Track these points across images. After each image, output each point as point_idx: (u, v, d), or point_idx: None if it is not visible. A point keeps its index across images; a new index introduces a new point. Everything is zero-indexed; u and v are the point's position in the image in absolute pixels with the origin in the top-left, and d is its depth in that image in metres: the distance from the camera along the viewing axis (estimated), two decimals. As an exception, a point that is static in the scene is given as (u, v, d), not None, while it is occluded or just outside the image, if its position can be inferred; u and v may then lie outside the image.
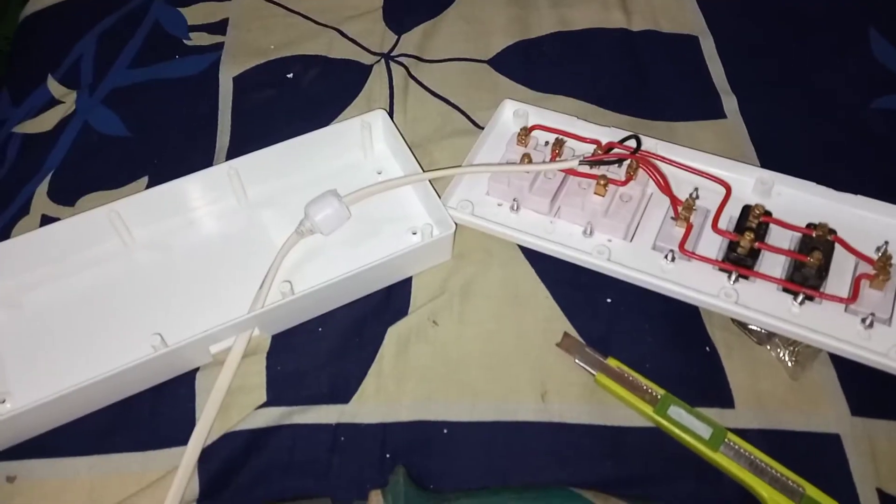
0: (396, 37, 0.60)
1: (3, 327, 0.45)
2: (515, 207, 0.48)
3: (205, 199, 0.48)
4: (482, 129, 0.54)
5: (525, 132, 0.49)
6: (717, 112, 0.54)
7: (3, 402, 0.42)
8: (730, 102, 0.55)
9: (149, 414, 0.42)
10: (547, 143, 0.49)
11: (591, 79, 0.57)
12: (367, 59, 0.59)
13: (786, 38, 0.59)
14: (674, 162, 0.47)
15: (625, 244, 0.46)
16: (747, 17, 0.61)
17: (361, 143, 0.51)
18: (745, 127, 0.53)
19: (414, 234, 0.48)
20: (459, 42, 0.60)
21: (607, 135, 0.49)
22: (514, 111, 0.52)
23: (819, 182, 0.46)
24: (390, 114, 0.55)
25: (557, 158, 0.48)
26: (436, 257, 0.47)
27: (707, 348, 0.44)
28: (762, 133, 0.53)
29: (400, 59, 0.59)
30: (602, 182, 0.46)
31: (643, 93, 0.56)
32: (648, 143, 0.48)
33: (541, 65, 0.58)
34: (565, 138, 0.49)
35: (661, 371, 0.42)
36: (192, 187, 0.47)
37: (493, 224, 0.47)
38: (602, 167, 0.47)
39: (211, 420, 0.41)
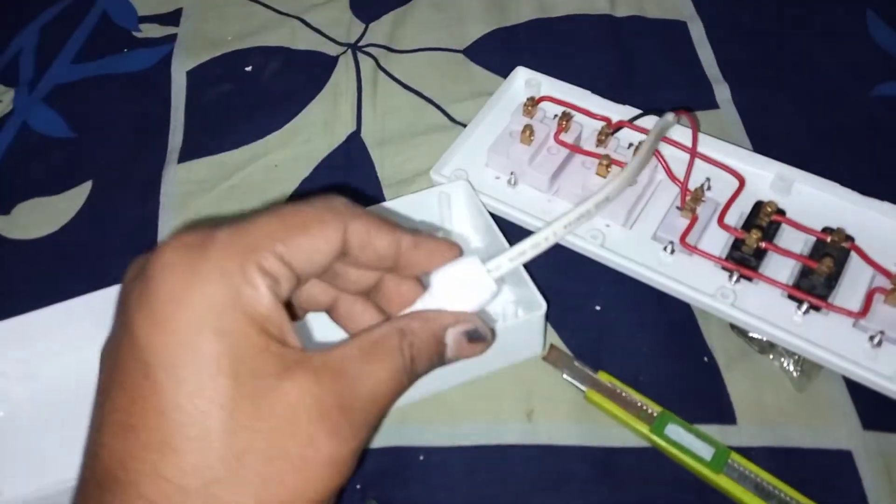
0: (364, 26, 0.56)
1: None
2: (513, 182, 0.44)
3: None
4: (458, 123, 0.50)
5: (532, 102, 0.46)
6: (708, 102, 0.51)
7: None
8: (722, 92, 0.51)
9: None
10: (555, 116, 0.46)
11: (574, 69, 0.53)
12: (332, 49, 0.55)
13: (779, 23, 0.55)
14: (687, 148, 0.44)
15: (623, 231, 0.42)
16: (737, 1, 0.57)
17: (440, 216, 0.44)
18: (739, 117, 0.50)
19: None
20: (432, 31, 0.56)
21: (620, 112, 0.46)
22: (527, 80, 0.49)
23: (822, 177, 0.43)
24: (358, 108, 0.51)
25: (563, 133, 0.45)
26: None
27: (705, 358, 0.40)
28: (757, 124, 0.49)
29: (368, 49, 0.54)
30: (604, 162, 0.42)
31: (630, 83, 0.52)
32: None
33: (521, 54, 0.54)
34: (574, 112, 0.46)
35: (656, 385, 0.39)
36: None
37: (490, 199, 0.43)
38: (609, 147, 0.44)
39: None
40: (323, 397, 0.21)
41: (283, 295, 0.23)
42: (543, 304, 0.37)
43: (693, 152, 0.43)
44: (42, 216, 0.47)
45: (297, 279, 0.23)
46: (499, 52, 0.54)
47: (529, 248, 0.29)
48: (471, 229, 0.44)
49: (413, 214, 0.43)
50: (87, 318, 0.39)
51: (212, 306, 0.21)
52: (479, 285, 0.27)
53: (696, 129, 0.43)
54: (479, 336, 0.27)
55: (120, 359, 0.21)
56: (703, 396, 0.39)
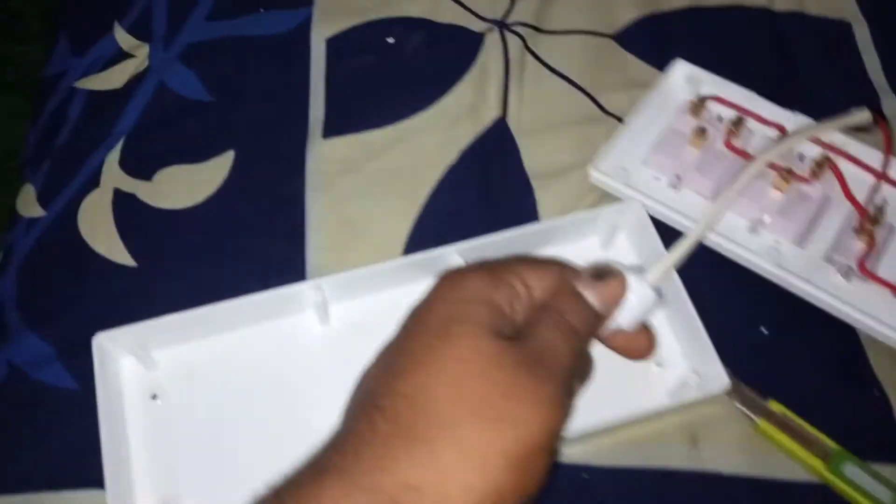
0: (510, 1, 0.53)
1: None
2: (676, 185, 0.42)
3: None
4: (610, 115, 0.48)
5: (700, 102, 0.44)
6: (875, 113, 0.48)
7: None
8: (890, 103, 0.48)
9: None
10: (721, 118, 0.44)
11: (729, 64, 0.50)
12: (476, 25, 0.52)
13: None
14: (868, 165, 0.42)
15: (794, 250, 0.41)
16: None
17: (605, 237, 0.42)
18: (911, 134, 0.47)
19: (658, 365, 0.39)
20: (581, 11, 0.52)
21: (791, 120, 0.44)
22: (687, 76, 0.47)
23: None
24: (504, 92, 0.48)
25: (734, 138, 0.43)
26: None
27: (876, 391, 0.39)
28: (930, 141, 0.46)
29: (515, 27, 0.52)
30: (785, 175, 0.40)
31: (787, 85, 0.49)
32: (835, 139, 0.43)
33: (674, 44, 0.51)
34: (745, 117, 0.44)
35: (823, 417, 0.37)
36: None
37: (650, 200, 0.41)
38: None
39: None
40: (519, 355, 0.26)
41: (517, 307, 0.28)
42: (726, 381, 0.36)
43: (882, 175, 0.41)
44: (185, 186, 0.45)
45: (530, 296, 0.29)
46: (650, 39, 0.51)
47: (678, 254, 0.32)
48: (632, 247, 0.42)
49: (574, 232, 0.42)
50: (242, 318, 0.38)
51: (461, 298, 0.27)
52: (642, 296, 0.30)
53: (889, 145, 0.41)
54: (603, 272, 0.30)
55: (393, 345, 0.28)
56: (874, 432, 0.38)
